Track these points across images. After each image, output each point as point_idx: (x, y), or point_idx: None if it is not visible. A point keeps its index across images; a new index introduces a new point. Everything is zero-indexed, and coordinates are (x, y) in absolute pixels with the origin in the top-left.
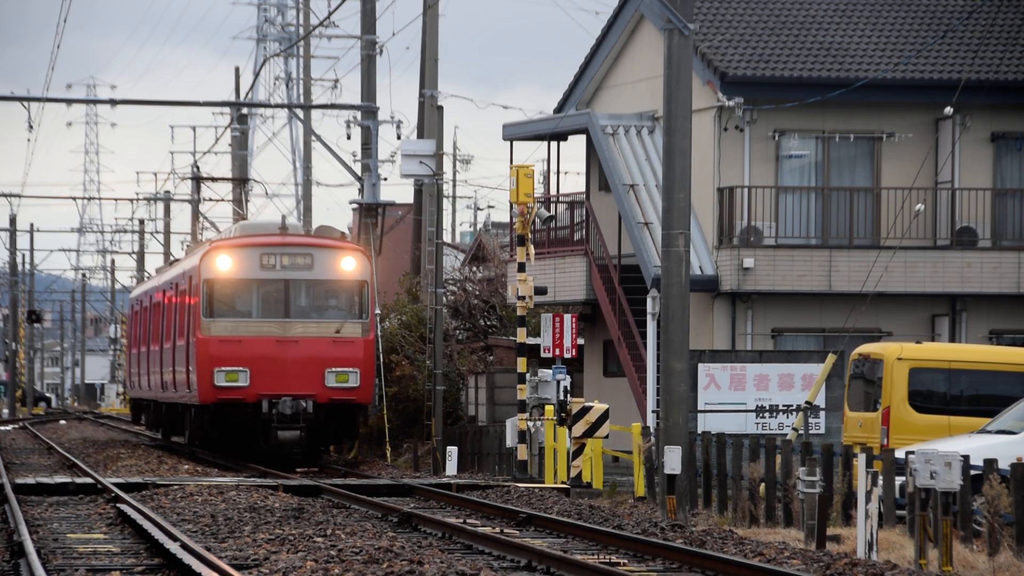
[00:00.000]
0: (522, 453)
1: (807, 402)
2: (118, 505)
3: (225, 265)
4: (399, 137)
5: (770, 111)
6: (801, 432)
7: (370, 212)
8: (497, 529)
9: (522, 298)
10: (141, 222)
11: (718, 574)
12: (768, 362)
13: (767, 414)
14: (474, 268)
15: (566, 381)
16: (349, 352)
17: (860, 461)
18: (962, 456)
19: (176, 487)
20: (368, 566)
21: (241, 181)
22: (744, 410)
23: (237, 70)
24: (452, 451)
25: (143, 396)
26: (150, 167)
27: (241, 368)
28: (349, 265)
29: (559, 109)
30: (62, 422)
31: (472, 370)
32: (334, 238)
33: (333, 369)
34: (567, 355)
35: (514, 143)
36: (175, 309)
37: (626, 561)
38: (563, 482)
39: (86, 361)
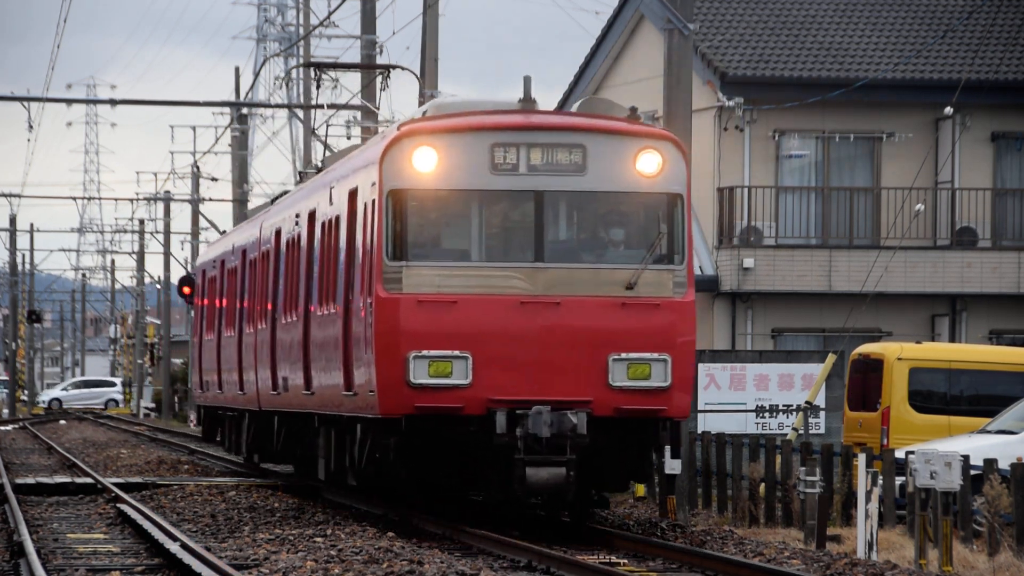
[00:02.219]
0: None
1: (807, 402)
2: (118, 505)
3: (427, 163)
4: None
5: (770, 111)
6: (801, 432)
7: None
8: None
9: None
10: (141, 222)
11: (718, 574)
12: (768, 362)
13: (767, 414)
14: None
15: None
16: (652, 323)
17: (860, 461)
18: (962, 456)
19: (176, 487)
20: (368, 566)
21: (371, 68)
22: (744, 410)
23: (237, 70)
24: None
25: (224, 404)
26: (150, 167)
27: (456, 353)
28: (650, 164)
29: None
30: (62, 422)
31: None
32: (618, 118)
33: (623, 355)
34: None
35: None
36: (312, 256)
37: (626, 561)
38: None
39: (86, 361)
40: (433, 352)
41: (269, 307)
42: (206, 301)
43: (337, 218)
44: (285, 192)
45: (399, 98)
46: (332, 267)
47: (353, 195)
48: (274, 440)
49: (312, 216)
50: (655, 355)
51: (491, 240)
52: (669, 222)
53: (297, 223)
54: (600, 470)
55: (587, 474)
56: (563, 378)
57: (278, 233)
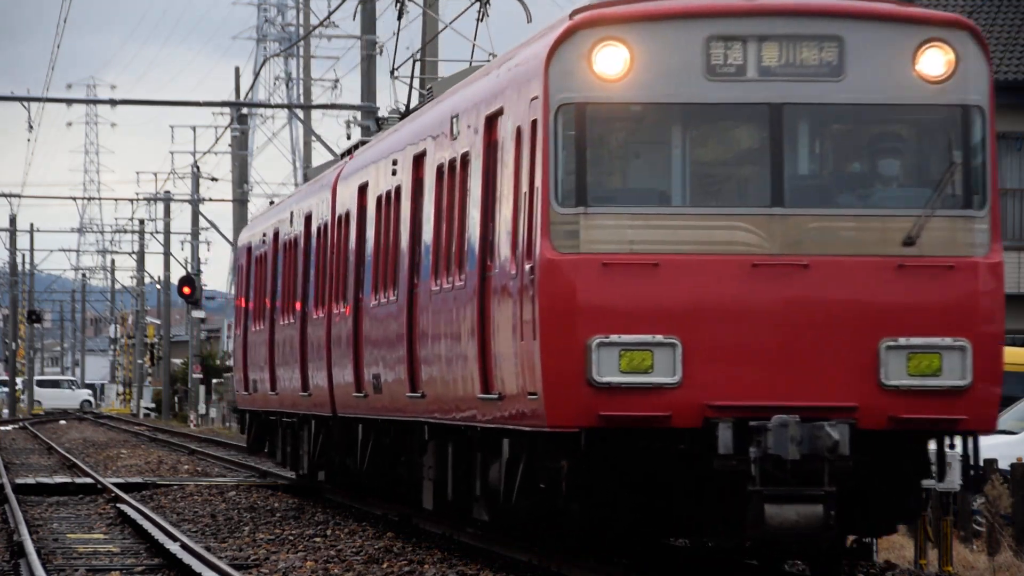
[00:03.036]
0: None
1: None
2: (118, 505)
3: (614, 65)
4: None
5: None
6: None
7: None
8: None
9: None
10: (141, 222)
11: (720, 575)
12: None
13: None
14: None
15: None
16: (943, 294)
17: None
18: (962, 456)
19: (176, 487)
20: (368, 566)
21: None
22: None
23: (237, 70)
24: None
25: (280, 408)
26: (150, 167)
27: (660, 339)
28: (937, 64)
29: None
30: (62, 422)
31: None
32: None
33: (901, 341)
34: None
35: None
36: (419, 214)
37: (627, 561)
38: None
39: (86, 361)
40: (626, 337)
41: (349, 286)
42: (254, 284)
43: (464, 157)
44: (362, 142)
45: (399, 97)
46: (457, 225)
47: (493, 122)
48: (358, 456)
49: (419, 161)
50: (948, 340)
51: (707, 175)
52: (965, 147)
53: (395, 172)
54: (860, 505)
55: (849, 513)
56: (815, 374)
57: (362, 190)
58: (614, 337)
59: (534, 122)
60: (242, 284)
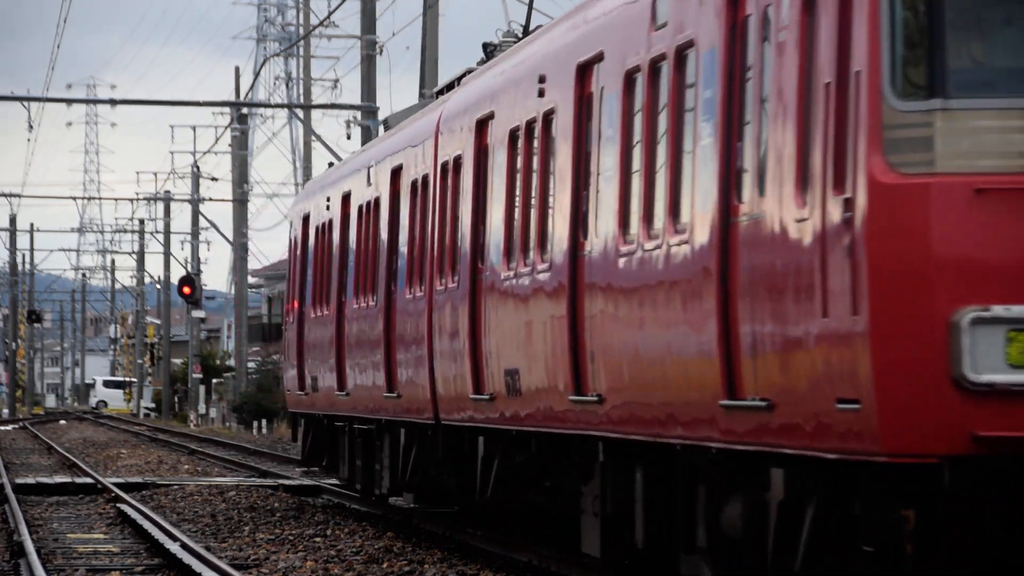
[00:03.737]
0: None
1: None
2: (118, 505)
3: None
4: None
5: None
6: None
7: None
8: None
9: None
10: (141, 222)
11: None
12: None
13: None
14: None
15: None
16: None
17: None
18: None
19: (176, 487)
20: (368, 566)
21: None
22: None
23: (237, 70)
24: None
25: (351, 412)
26: (150, 167)
27: None
28: None
29: None
30: (62, 422)
31: None
32: None
33: None
34: None
35: None
36: (583, 143)
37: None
38: None
39: (86, 361)
40: (1018, 310)
41: (462, 254)
42: (314, 260)
43: (681, 51)
44: (468, 71)
45: (399, 98)
46: (669, 151)
47: None
48: (477, 477)
49: (585, 72)
50: None
51: None
52: None
53: (542, 94)
54: None
55: None
56: None
57: (480, 127)
58: (998, 309)
59: None
60: (296, 261)
